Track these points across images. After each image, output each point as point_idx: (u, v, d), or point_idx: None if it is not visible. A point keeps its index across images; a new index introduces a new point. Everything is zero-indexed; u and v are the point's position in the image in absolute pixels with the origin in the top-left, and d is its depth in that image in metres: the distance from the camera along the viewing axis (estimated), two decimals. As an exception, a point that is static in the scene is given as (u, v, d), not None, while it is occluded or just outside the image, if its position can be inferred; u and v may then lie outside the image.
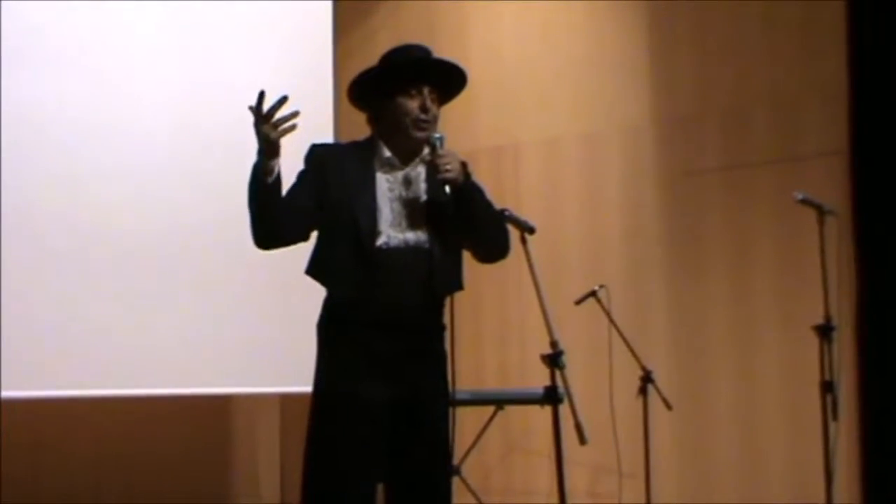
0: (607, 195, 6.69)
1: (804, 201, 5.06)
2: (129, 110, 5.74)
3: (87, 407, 6.06)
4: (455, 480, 3.81)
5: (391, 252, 3.53)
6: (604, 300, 5.74)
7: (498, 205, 3.81)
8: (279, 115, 3.36)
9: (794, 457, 5.88)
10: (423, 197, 3.61)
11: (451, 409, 3.63)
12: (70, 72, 5.60)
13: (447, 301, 3.66)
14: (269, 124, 3.36)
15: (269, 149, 3.40)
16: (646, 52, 6.64)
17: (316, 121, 6.16)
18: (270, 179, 3.42)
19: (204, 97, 5.93)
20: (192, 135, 5.87)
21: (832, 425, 4.90)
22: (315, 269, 3.62)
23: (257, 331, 5.89)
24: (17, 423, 5.86)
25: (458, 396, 3.72)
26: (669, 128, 6.53)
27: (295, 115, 3.35)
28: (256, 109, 3.35)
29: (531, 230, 4.04)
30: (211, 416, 6.93)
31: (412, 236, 3.56)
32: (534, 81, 7.00)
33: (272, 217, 3.50)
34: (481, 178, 3.74)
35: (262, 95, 3.33)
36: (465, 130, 6.66)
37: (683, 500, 6.19)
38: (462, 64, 3.74)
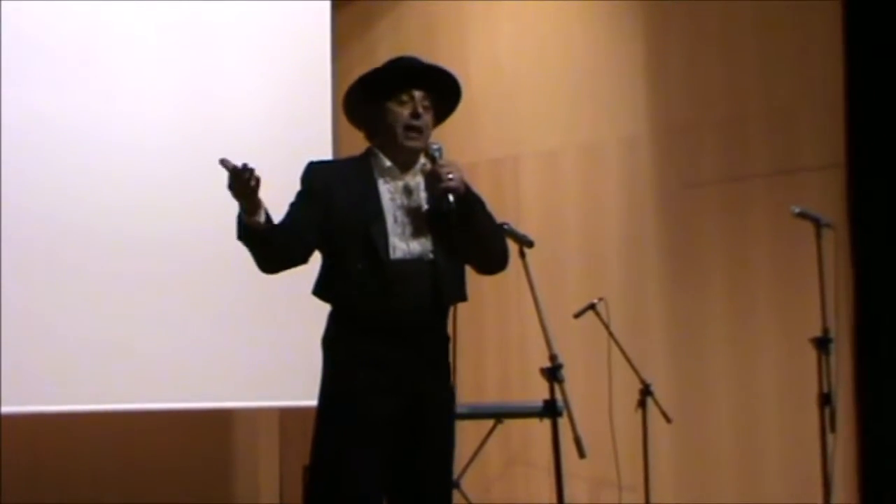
0: (606, 207, 6.71)
1: (801, 214, 5.06)
2: (127, 120, 5.72)
3: (86, 422, 6.05)
4: (455, 494, 3.80)
5: (398, 263, 3.53)
6: (603, 313, 5.74)
7: (498, 218, 3.81)
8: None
9: (793, 469, 5.89)
10: (424, 206, 3.61)
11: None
12: (68, 78, 5.58)
13: (451, 312, 3.67)
14: (238, 187, 3.33)
15: (249, 207, 3.39)
16: (643, 64, 6.67)
17: (315, 135, 6.20)
18: (260, 229, 3.41)
19: (203, 109, 5.92)
20: (191, 147, 5.86)
21: (830, 437, 4.91)
22: (327, 288, 3.61)
23: (257, 346, 5.88)
24: (16, 439, 5.86)
25: (458, 410, 3.72)
26: (667, 140, 6.55)
27: (249, 171, 3.30)
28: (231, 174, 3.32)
29: (530, 244, 4.06)
30: (211, 430, 6.93)
31: (416, 246, 3.57)
32: (533, 94, 7.02)
33: (272, 253, 3.53)
34: (481, 189, 3.75)
35: (222, 163, 3.30)
36: (464, 143, 6.67)
37: (683, 513, 6.21)
38: (456, 73, 3.74)
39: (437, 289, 3.56)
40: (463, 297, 3.69)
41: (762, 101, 6.28)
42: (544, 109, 6.98)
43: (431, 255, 3.57)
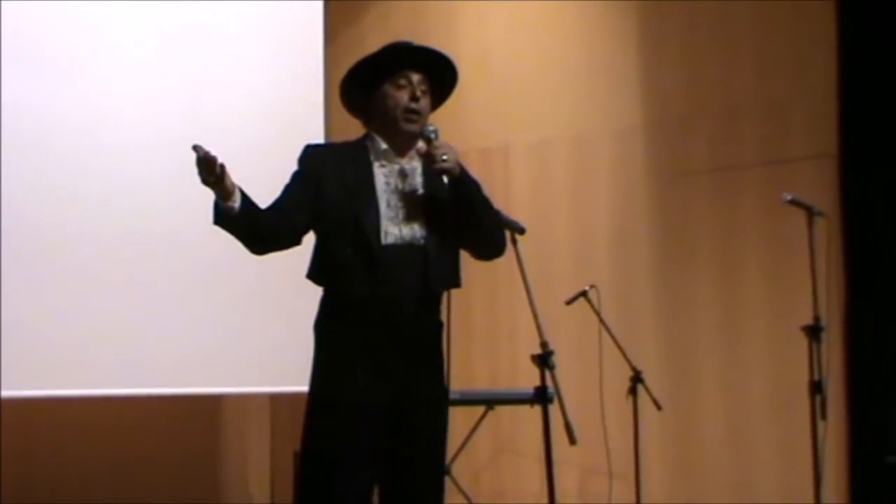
0: (597, 197, 6.70)
1: (793, 202, 5.07)
2: (124, 113, 5.75)
3: (78, 406, 6.07)
4: (445, 481, 3.80)
5: (389, 248, 3.52)
6: (594, 301, 5.74)
7: (488, 205, 3.81)
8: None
9: (783, 457, 5.90)
10: (420, 190, 3.60)
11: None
12: (67, 78, 5.63)
13: (444, 298, 3.66)
14: (201, 174, 3.34)
15: (222, 193, 3.39)
16: (635, 54, 6.66)
17: (307, 124, 6.19)
18: (232, 214, 3.41)
19: (200, 104, 5.93)
20: (185, 139, 5.85)
21: (821, 425, 4.92)
22: (319, 271, 3.60)
23: (247, 331, 5.89)
24: (9, 423, 5.87)
25: (449, 396, 3.72)
26: (659, 130, 6.55)
27: (211, 159, 3.31)
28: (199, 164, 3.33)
29: (521, 231, 4.05)
30: (201, 415, 6.92)
31: (407, 231, 3.55)
32: (523, 84, 7.00)
33: (254, 235, 3.54)
34: (471, 179, 3.74)
35: (195, 148, 3.31)
36: (454, 132, 6.59)
37: (673, 501, 6.21)
38: (449, 54, 3.74)
39: (427, 274, 3.55)
40: (455, 284, 3.68)
41: (754, 91, 6.28)
42: (535, 100, 6.96)
43: (422, 241, 3.56)
